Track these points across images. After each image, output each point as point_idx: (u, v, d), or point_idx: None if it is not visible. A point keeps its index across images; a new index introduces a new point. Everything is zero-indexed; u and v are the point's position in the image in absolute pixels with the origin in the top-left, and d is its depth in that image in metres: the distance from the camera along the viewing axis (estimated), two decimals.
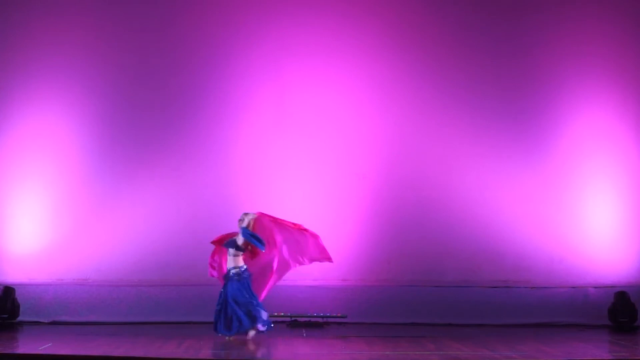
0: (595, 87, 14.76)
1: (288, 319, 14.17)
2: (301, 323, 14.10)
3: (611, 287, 14.43)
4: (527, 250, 14.60)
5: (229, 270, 12.57)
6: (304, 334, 13.33)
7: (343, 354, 11.70)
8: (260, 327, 12.44)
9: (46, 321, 14.28)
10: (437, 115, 14.76)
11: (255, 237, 12.50)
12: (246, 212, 12.77)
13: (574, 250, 14.59)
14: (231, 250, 12.59)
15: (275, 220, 12.73)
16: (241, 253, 12.57)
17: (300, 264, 12.68)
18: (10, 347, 12.11)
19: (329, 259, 12.69)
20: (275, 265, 12.57)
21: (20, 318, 14.23)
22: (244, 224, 12.60)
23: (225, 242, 12.70)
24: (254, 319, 12.38)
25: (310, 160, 14.68)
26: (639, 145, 14.76)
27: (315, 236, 12.72)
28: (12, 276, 14.40)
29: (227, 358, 11.27)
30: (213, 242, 12.84)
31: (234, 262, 12.56)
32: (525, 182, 14.69)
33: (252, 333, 12.50)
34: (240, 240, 12.56)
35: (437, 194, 14.64)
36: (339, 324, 14.17)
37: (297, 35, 14.77)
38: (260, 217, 12.74)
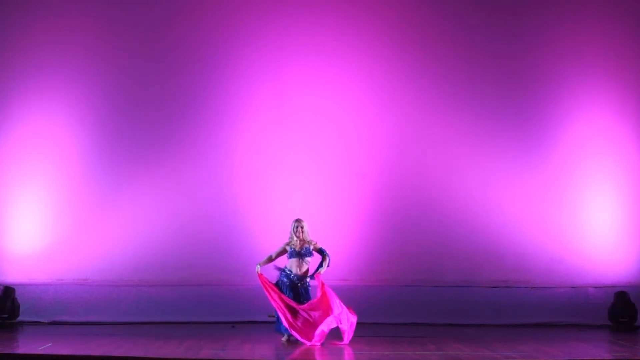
0: (595, 87, 14.76)
1: None
2: None
3: (611, 287, 14.43)
4: (527, 250, 14.60)
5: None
6: None
7: (343, 354, 11.69)
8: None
9: (46, 321, 14.28)
10: (437, 115, 14.76)
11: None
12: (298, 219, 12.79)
13: (574, 250, 14.59)
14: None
15: None
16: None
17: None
18: (10, 347, 12.11)
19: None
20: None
21: (20, 318, 14.23)
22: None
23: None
24: None
25: (310, 160, 14.68)
26: (639, 145, 14.76)
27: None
28: (12, 276, 14.40)
29: (227, 358, 11.26)
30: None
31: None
32: (525, 182, 14.69)
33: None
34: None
35: (437, 194, 14.64)
36: None
37: (297, 35, 14.77)
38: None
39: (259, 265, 12.55)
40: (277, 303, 12.36)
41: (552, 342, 12.59)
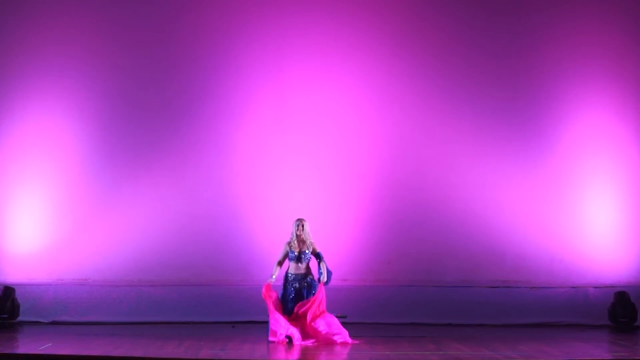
0: (595, 87, 14.76)
1: None
2: None
3: (611, 287, 14.43)
4: (527, 250, 14.60)
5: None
6: None
7: (343, 354, 11.69)
8: None
9: (46, 321, 14.28)
10: (437, 115, 14.76)
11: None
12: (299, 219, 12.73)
13: (574, 250, 14.60)
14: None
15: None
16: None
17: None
18: (10, 347, 12.10)
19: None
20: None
21: (20, 318, 14.23)
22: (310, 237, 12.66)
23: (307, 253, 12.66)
24: None
25: (310, 160, 14.68)
26: (639, 145, 14.76)
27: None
28: (12, 276, 14.40)
29: (227, 358, 11.26)
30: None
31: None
32: (525, 181, 14.70)
33: None
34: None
35: (437, 193, 14.64)
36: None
37: (297, 35, 14.77)
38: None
39: (273, 277, 12.47)
40: (274, 319, 12.36)
41: (552, 342, 12.59)
